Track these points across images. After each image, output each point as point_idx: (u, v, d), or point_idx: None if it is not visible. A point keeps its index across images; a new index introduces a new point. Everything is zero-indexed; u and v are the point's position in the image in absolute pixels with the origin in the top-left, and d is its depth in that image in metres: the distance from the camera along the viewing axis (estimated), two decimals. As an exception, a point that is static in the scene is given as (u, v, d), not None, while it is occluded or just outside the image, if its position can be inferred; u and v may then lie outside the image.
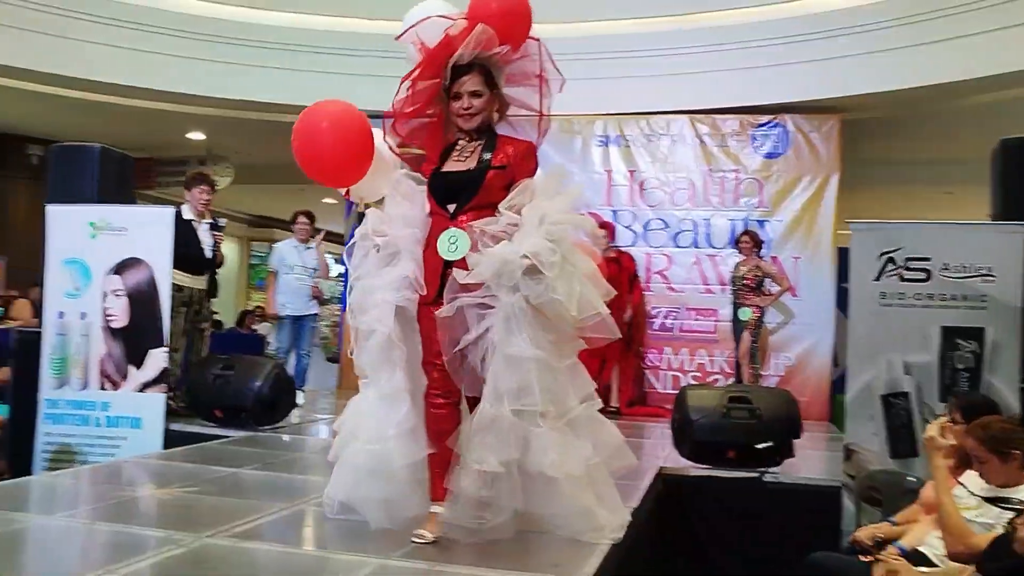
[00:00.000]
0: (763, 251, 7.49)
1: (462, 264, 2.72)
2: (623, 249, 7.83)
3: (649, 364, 8.01)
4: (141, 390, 5.36)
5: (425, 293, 2.82)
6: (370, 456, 2.86)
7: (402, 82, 2.93)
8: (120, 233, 5.43)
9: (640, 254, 8.00)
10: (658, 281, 8.09)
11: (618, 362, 7.50)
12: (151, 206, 6.24)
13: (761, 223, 7.90)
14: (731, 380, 7.48)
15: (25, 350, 5.58)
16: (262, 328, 11.55)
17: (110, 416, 5.32)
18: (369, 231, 2.93)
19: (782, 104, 8.04)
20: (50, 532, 3.00)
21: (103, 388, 5.37)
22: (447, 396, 2.80)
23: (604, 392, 7.49)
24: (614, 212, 8.16)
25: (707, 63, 8.10)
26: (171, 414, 5.46)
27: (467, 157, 2.88)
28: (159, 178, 11.73)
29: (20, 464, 5.28)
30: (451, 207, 2.83)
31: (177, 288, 5.71)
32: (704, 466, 4.58)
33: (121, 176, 5.97)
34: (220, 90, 8.90)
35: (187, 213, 6.03)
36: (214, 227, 6.20)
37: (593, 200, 8.16)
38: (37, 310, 5.85)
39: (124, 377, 5.38)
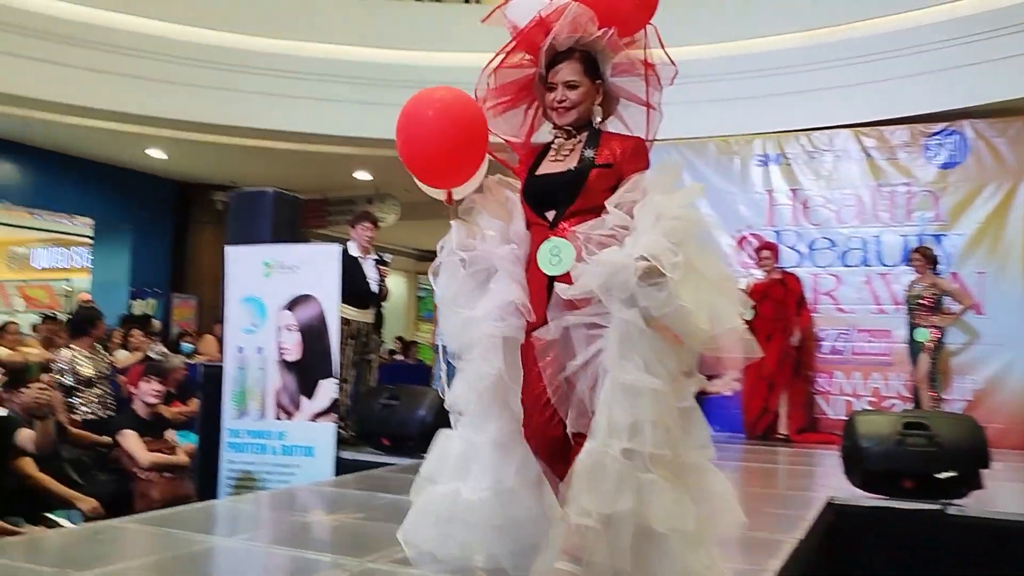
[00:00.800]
0: (940, 267, 7.03)
1: (567, 278, 2.29)
2: (788, 270, 7.56)
3: (819, 389, 7.65)
4: (313, 420, 5.61)
5: (534, 319, 2.37)
6: (488, 511, 2.39)
7: (483, 72, 2.55)
8: (292, 271, 5.74)
9: (806, 275, 7.69)
10: (826, 302, 7.74)
11: (786, 387, 7.24)
12: (320, 244, 6.55)
13: (937, 238, 7.41)
14: (909, 405, 7.03)
15: (210, 383, 5.97)
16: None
17: (285, 445, 5.60)
18: (453, 244, 2.51)
19: (959, 110, 7.52)
20: (232, 553, 3.22)
21: (279, 418, 5.67)
22: (550, 432, 2.36)
23: (772, 418, 7.27)
24: (777, 233, 7.90)
25: (870, 73, 7.73)
26: (341, 442, 5.68)
27: (566, 156, 2.46)
28: (330, 217, 12.37)
29: (207, 489, 5.64)
30: (550, 214, 2.41)
31: (345, 322, 5.97)
32: (878, 496, 4.31)
33: (292, 217, 6.33)
34: (386, 132, 9.27)
35: (353, 250, 6.32)
36: (379, 262, 6.46)
37: (755, 221, 7.94)
38: (221, 346, 6.26)
39: (297, 407, 5.66)
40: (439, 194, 2.53)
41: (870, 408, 7.20)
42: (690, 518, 2.25)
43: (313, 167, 10.71)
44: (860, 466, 4.34)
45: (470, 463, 2.44)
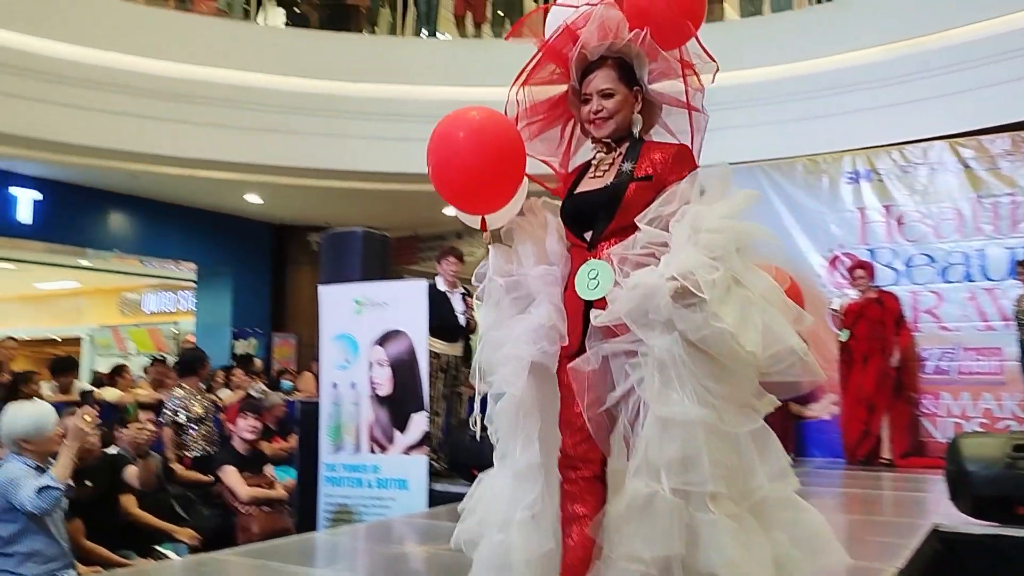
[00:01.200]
0: (1051, 279, 6.69)
1: (604, 304, 2.10)
2: (885, 289, 7.32)
3: (924, 411, 7.33)
4: (406, 453, 5.69)
5: (568, 343, 2.20)
6: (493, 549, 2.24)
7: (510, 90, 2.35)
8: (382, 307, 5.87)
9: (905, 293, 7.41)
10: (928, 320, 7.43)
11: (887, 410, 6.98)
12: (408, 280, 6.69)
13: (1047, 249, 7.07)
14: (1025, 427, 6.69)
15: (307, 419, 6.13)
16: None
17: (380, 478, 5.69)
18: (491, 270, 2.35)
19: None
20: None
21: (373, 452, 5.77)
22: (584, 466, 2.17)
23: (874, 443, 7.01)
24: (871, 251, 7.65)
25: (964, 81, 7.49)
26: (434, 475, 5.75)
27: (604, 172, 2.28)
28: (421, 253, 12.61)
29: (306, 522, 5.77)
30: (589, 235, 2.23)
31: (435, 355, 6.06)
32: (988, 523, 4.10)
33: (382, 255, 6.49)
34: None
35: (440, 285, 6.42)
36: (466, 295, 6.56)
37: (847, 240, 7.72)
38: (318, 382, 6.44)
39: (391, 441, 5.76)
40: (474, 220, 2.38)
41: (978, 430, 6.87)
42: (764, 564, 2.00)
43: (403, 205, 10.96)
44: (967, 491, 4.14)
45: (496, 500, 2.28)
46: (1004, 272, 7.18)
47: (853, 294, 7.26)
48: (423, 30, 10.26)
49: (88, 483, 4.53)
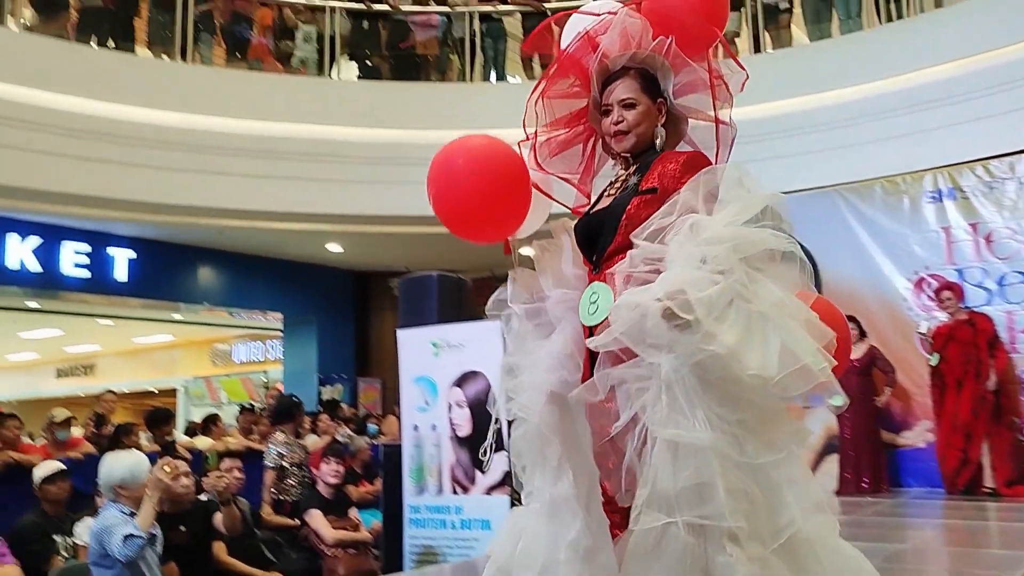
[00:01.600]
0: None
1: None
2: (977, 310, 7.06)
3: (1028, 436, 7.02)
4: (488, 493, 5.71)
5: (581, 373, 2.09)
6: None
7: (528, 103, 2.22)
8: (458, 349, 5.93)
9: (998, 313, 7.13)
10: (1026, 341, 7.15)
11: (987, 436, 6.70)
12: (483, 321, 6.75)
13: None
14: None
15: (390, 462, 6.21)
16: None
17: (463, 519, 5.71)
18: (509, 296, 2.27)
19: None
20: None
21: (455, 492, 5.81)
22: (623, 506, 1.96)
23: (975, 471, 6.72)
24: (959, 271, 7.40)
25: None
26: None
27: (618, 188, 2.16)
28: (499, 294, 12.69)
29: (394, 564, 5.83)
30: (595, 256, 2.11)
31: (513, 394, 6.07)
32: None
33: (457, 297, 6.58)
34: (546, 208, 9.54)
35: (515, 323, 6.46)
36: (542, 334, 6.57)
37: (932, 261, 7.49)
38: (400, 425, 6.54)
39: (472, 481, 5.79)
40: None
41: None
42: None
43: (478, 247, 10.96)
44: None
45: (527, 538, 2.12)
46: (1105, 287, 6.87)
47: (942, 316, 7.04)
48: (492, 74, 10.44)
49: (182, 528, 4.69)
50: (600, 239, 2.09)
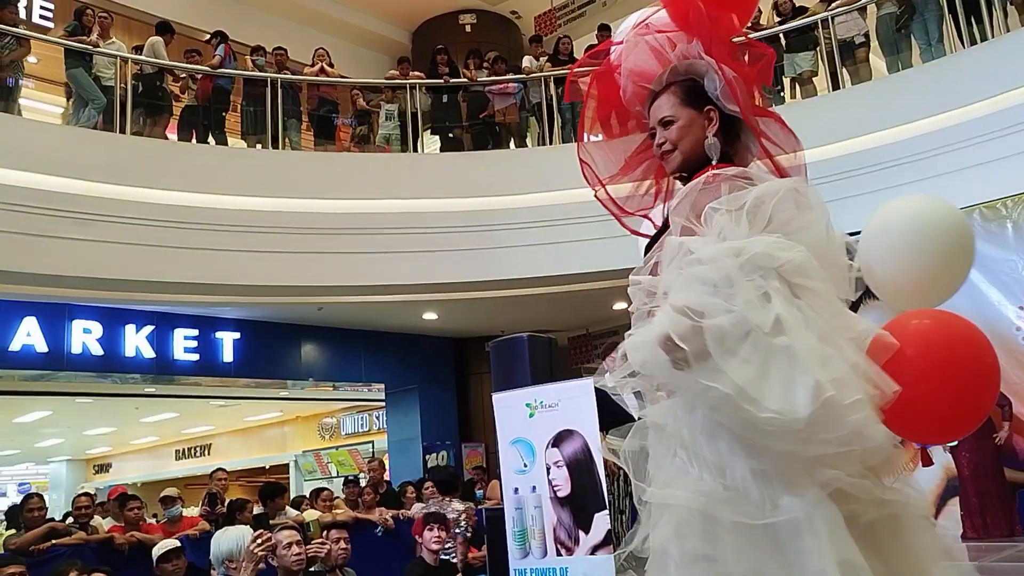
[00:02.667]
0: None
1: None
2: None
3: None
4: (592, 553, 5.63)
5: None
6: None
7: (578, 149, 2.10)
8: (553, 409, 5.93)
9: None
10: None
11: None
12: (576, 380, 6.75)
13: None
14: None
15: (493, 526, 6.22)
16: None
17: (569, 581, 5.66)
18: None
19: None
20: None
21: (559, 554, 5.75)
22: None
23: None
24: (1077, 299, 7.04)
25: None
26: (620, 574, 5.65)
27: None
28: (595, 351, 12.67)
29: (501, 631, 5.81)
30: None
31: (612, 452, 6.01)
32: None
33: (548, 357, 6.60)
34: (629, 262, 9.52)
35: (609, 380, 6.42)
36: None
37: (1043, 289, 7.15)
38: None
39: (576, 542, 5.71)
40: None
41: None
42: None
43: (571, 305, 11.11)
44: None
45: None
46: None
47: (1061, 345, 6.66)
48: (572, 135, 10.58)
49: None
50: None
